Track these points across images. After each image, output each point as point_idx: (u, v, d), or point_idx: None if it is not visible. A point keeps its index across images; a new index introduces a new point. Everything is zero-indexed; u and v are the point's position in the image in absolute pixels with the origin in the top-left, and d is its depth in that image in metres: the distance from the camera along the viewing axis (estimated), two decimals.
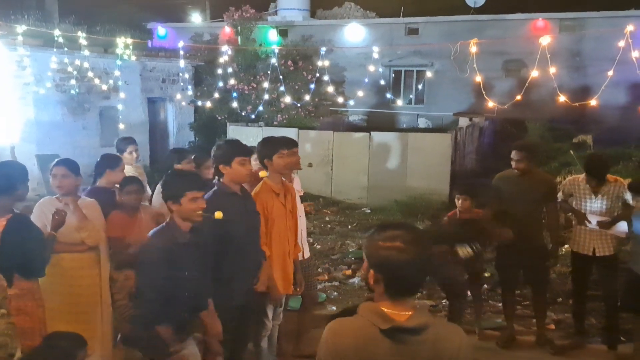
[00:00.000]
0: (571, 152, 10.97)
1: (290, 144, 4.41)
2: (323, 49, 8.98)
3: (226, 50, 10.85)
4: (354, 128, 14.82)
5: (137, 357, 3.57)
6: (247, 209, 3.86)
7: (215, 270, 3.62)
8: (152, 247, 3.34)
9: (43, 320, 3.75)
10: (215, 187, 3.83)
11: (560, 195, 5.17)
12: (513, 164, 5.02)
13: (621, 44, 5.92)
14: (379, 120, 16.12)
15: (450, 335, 1.98)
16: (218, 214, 3.50)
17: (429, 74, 13.74)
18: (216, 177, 3.94)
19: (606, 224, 4.85)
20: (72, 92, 11.99)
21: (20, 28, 9.95)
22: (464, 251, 4.95)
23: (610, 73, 6.06)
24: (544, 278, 5.25)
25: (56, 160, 4.22)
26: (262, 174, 4.20)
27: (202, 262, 3.48)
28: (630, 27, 5.83)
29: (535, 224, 5.09)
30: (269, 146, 4.28)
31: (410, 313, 1.95)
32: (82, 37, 10.27)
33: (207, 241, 3.55)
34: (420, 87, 15.89)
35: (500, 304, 5.81)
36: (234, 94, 11.85)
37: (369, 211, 11.03)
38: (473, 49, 6.63)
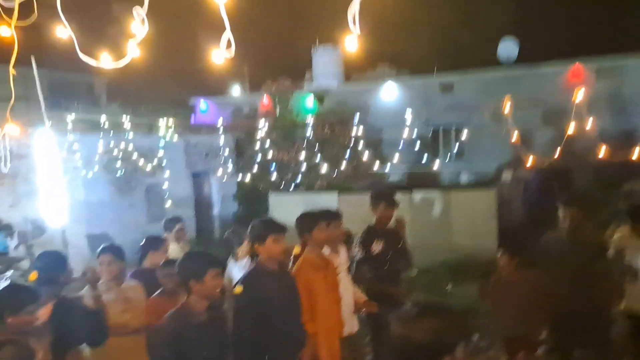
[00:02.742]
0: (621, 201, 10.59)
1: (331, 216, 4.40)
2: (357, 115, 9.11)
3: (264, 124, 11.18)
4: (395, 188, 14.75)
5: None
6: (285, 287, 3.85)
7: (253, 351, 3.58)
8: (161, 331, 3.32)
9: None
10: (253, 266, 3.85)
11: (611, 250, 4.98)
12: (562, 220, 4.89)
13: None
14: (420, 178, 16.03)
15: None
16: (238, 289, 3.51)
17: (466, 130, 13.71)
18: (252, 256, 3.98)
19: None
20: (119, 173, 12.46)
21: (70, 116, 10.50)
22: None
23: None
24: (604, 340, 4.99)
25: (102, 247, 4.34)
26: (296, 250, 4.20)
27: (222, 341, 3.45)
28: None
29: (588, 283, 4.88)
30: (308, 220, 4.30)
31: None
32: (127, 120, 10.76)
33: (240, 319, 3.54)
34: (459, 143, 15.84)
35: None
36: (274, 165, 12.08)
37: (415, 273, 10.78)
38: (507, 106, 6.62)
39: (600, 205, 11.44)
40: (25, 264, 9.49)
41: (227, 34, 1.75)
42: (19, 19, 1.83)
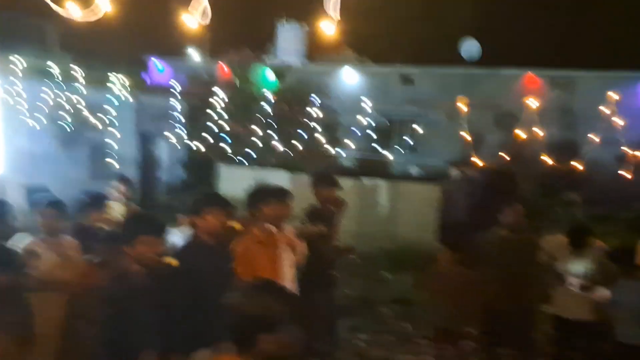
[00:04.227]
0: (558, 209, 10.98)
1: (281, 194, 4.36)
2: (316, 97, 9.07)
3: (222, 93, 10.97)
4: (346, 173, 14.82)
5: None
6: (220, 262, 3.78)
7: (179, 326, 3.49)
8: (94, 293, 3.33)
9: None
10: (190, 239, 3.80)
11: (544, 256, 5.17)
12: (505, 218, 5.02)
13: (607, 110, 6.06)
14: (372, 166, 16.17)
15: None
16: (172, 262, 3.47)
17: (422, 124, 13.89)
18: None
19: (588, 287, 4.83)
20: (65, 125, 12.03)
21: (18, 61, 10.04)
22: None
23: (597, 139, 6.18)
24: (527, 341, 5.20)
25: (48, 201, 4.23)
26: (236, 225, 4.15)
27: (154, 310, 3.37)
28: (615, 96, 5.98)
29: (519, 284, 5.07)
30: (260, 195, 4.26)
31: None
32: (78, 71, 10.36)
33: (169, 290, 3.48)
34: (413, 136, 16.04)
35: None
36: (227, 136, 11.92)
37: (356, 258, 10.92)
38: (464, 108, 6.75)
39: (540, 211, 11.86)
40: None
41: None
42: None
